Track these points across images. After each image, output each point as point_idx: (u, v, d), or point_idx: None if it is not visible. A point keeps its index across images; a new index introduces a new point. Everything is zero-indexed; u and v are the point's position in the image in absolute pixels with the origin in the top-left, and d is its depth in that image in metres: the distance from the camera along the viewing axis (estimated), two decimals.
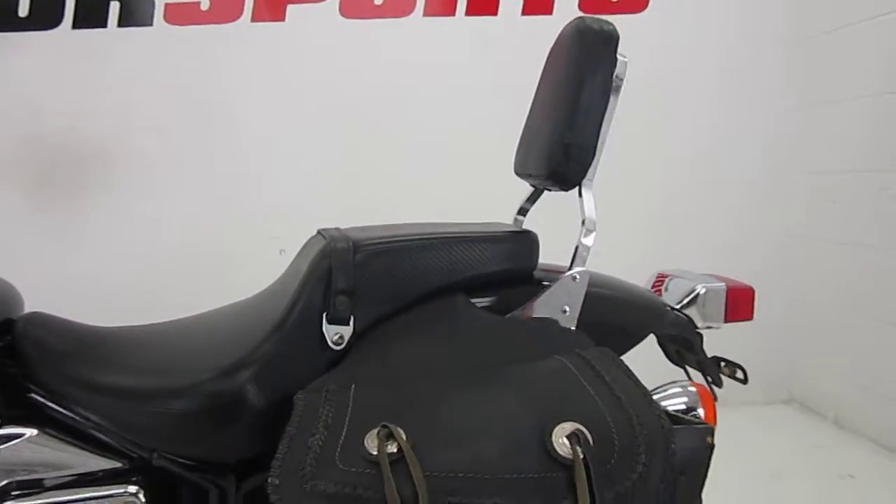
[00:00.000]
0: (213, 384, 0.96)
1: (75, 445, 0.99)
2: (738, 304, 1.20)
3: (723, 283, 1.21)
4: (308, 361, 0.99)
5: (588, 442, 0.82)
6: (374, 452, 0.80)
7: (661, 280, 1.29)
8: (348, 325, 1.01)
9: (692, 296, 1.21)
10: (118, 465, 0.98)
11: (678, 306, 1.21)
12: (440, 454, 0.81)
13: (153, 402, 0.96)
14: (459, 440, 0.83)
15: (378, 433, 0.81)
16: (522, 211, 1.27)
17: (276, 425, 0.96)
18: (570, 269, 1.07)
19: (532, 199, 1.25)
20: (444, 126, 2.98)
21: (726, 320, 1.21)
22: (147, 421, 0.97)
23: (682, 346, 1.22)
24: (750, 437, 2.71)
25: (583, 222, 1.07)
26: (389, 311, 1.04)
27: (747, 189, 3.21)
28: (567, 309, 1.06)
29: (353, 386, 0.93)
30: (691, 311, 1.22)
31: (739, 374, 1.19)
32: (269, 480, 0.79)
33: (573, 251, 1.07)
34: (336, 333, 1.00)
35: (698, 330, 1.21)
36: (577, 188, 1.08)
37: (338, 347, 1.00)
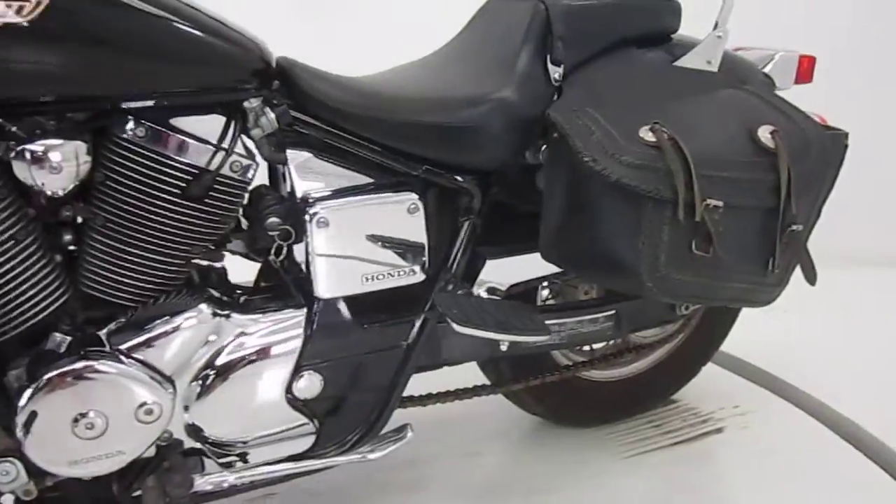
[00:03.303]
0: (474, 107, 1.18)
1: (348, 166, 1.18)
2: (805, 69, 1.54)
3: (795, 52, 1.54)
4: (537, 93, 1.23)
5: (783, 137, 1.14)
6: (653, 139, 1.08)
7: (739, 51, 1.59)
8: (561, 66, 1.24)
9: (771, 60, 1.53)
10: (390, 179, 1.19)
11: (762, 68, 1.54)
12: (689, 143, 1.10)
13: (430, 118, 1.17)
14: (697, 136, 1.12)
15: (651, 127, 1.09)
16: None
17: (514, 142, 1.22)
18: (714, 29, 1.34)
19: None
20: None
21: (795, 82, 1.55)
22: (423, 136, 1.17)
23: None
24: None
25: None
26: (585, 58, 1.28)
27: None
28: (711, 61, 1.35)
29: (586, 108, 1.18)
30: None
31: None
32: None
33: (718, 14, 1.34)
34: (556, 71, 1.24)
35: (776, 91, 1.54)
36: None
37: (556, 84, 1.24)
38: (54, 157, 0.94)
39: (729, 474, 1.56)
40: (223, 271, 1.21)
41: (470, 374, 1.46)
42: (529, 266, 1.37)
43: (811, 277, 1.21)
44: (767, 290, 1.23)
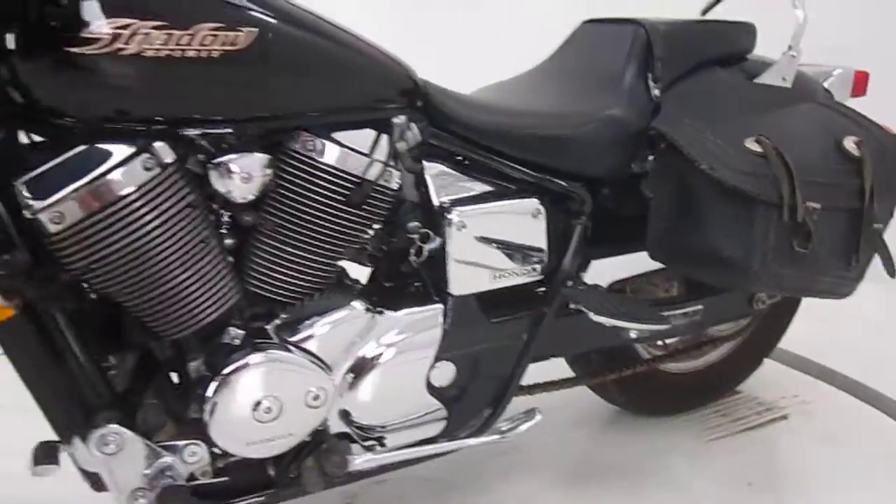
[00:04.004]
0: (588, 121, 1.32)
1: (476, 176, 1.30)
2: (860, 83, 1.69)
3: (851, 67, 1.69)
4: (641, 108, 1.36)
5: (865, 145, 1.29)
6: (759, 150, 1.22)
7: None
8: (659, 83, 1.38)
9: (830, 76, 1.68)
10: (513, 187, 1.32)
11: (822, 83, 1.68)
12: (788, 153, 1.23)
13: (549, 131, 1.30)
14: (793, 146, 1.26)
15: (756, 139, 1.23)
16: (704, 12, 1.66)
17: (623, 153, 1.36)
18: (788, 49, 1.49)
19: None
20: None
21: (851, 96, 1.70)
22: (543, 147, 1.30)
23: None
24: None
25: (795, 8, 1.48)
26: (678, 76, 1.42)
27: None
28: (786, 78, 1.49)
29: (686, 121, 1.32)
30: None
31: None
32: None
33: (791, 36, 1.48)
34: (656, 88, 1.37)
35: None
36: None
37: (656, 100, 1.38)
38: (247, 168, 1.05)
39: (796, 458, 1.69)
40: (346, 272, 1.33)
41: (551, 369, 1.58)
42: None
43: (891, 269, 1.36)
44: (848, 283, 1.37)
